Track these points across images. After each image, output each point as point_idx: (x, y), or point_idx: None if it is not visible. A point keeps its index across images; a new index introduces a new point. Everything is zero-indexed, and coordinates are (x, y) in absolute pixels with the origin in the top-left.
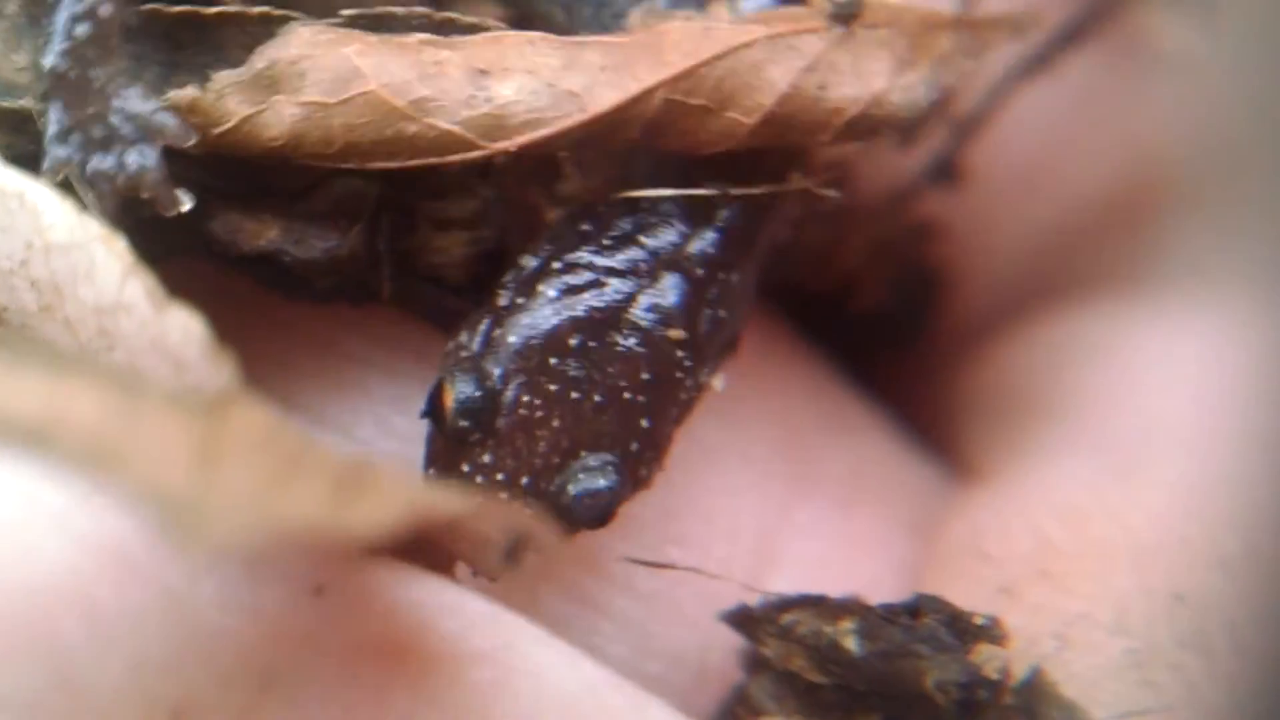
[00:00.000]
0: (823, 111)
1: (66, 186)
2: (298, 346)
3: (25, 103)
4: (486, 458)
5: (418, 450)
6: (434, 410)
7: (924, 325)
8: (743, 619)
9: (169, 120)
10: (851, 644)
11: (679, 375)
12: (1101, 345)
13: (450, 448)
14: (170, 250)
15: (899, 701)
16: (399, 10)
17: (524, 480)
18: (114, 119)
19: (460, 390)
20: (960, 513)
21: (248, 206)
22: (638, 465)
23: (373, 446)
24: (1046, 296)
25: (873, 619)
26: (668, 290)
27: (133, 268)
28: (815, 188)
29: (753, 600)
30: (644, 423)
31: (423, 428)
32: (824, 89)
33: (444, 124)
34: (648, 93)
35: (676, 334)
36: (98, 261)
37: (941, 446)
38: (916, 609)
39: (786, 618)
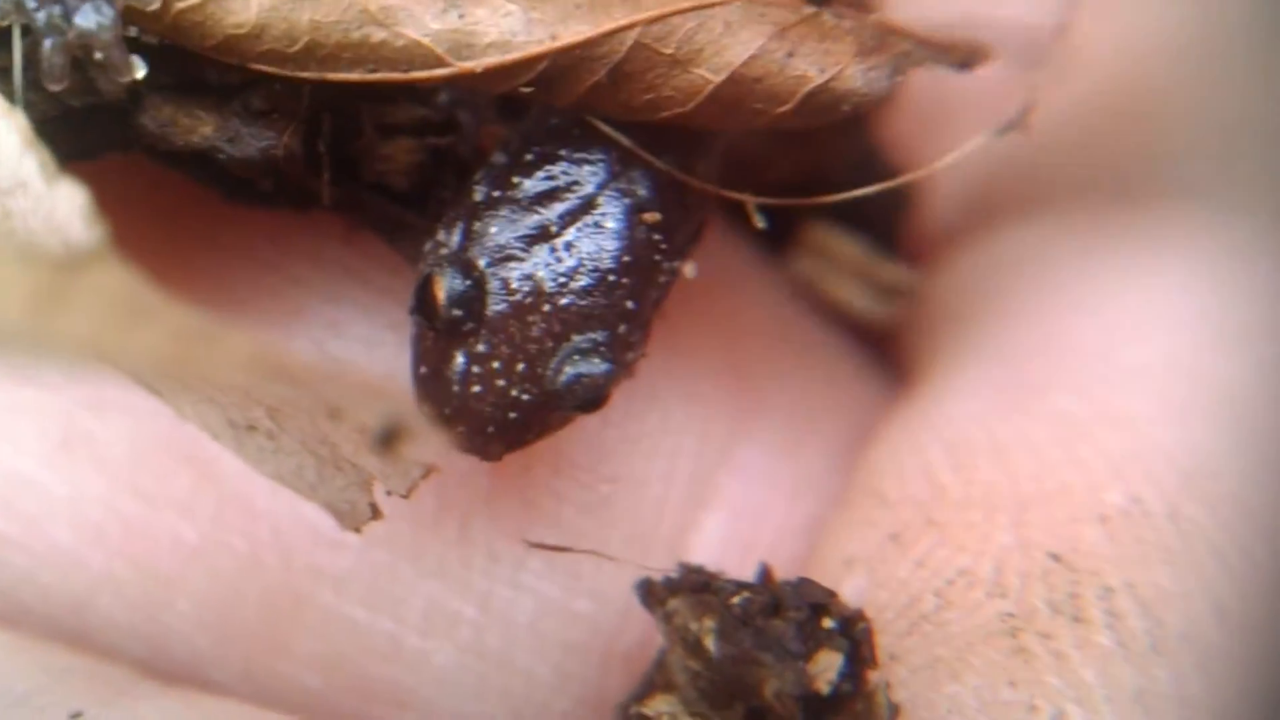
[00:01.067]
0: (787, 79)
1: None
2: (237, 269)
3: None
4: (481, 346)
5: None
6: (423, 305)
7: (892, 243)
8: (647, 592)
9: None
10: (710, 644)
11: (657, 258)
12: (1021, 260)
13: (441, 342)
14: (99, 146)
15: (753, 706)
16: None
17: (520, 366)
18: None
19: (450, 281)
20: (871, 444)
21: (181, 100)
22: (626, 348)
23: None
24: (1000, 213)
25: (729, 620)
26: (639, 177)
27: (30, 142)
28: (753, 204)
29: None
30: (629, 305)
31: (359, 354)
32: (792, 57)
33: (413, 33)
34: (621, 30)
35: (651, 217)
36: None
37: (897, 364)
38: (779, 605)
39: (671, 603)
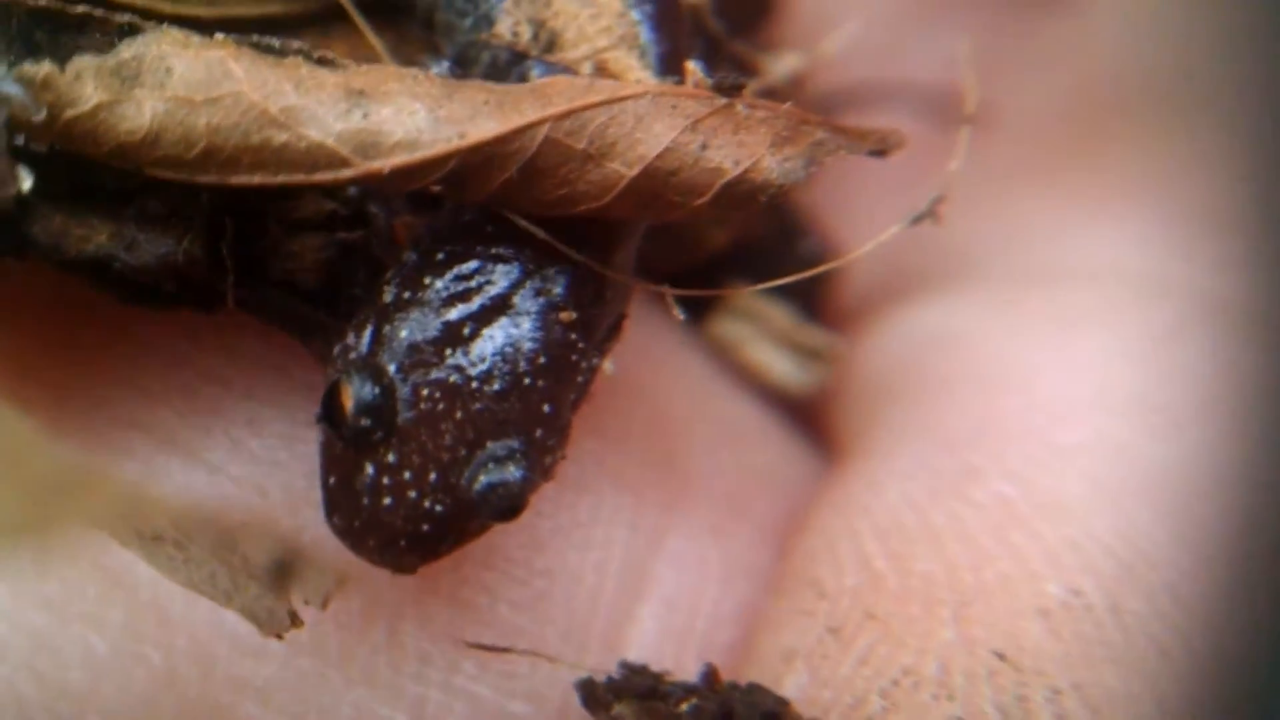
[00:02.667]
0: (703, 171)
1: None
2: (147, 362)
3: None
4: (391, 456)
5: (274, 475)
6: (330, 414)
7: (812, 311)
8: (589, 695)
9: (15, 89)
10: None
11: (574, 358)
12: (953, 336)
13: (349, 451)
14: None
15: None
16: (275, 42)
17: (432, 476)
18: None
19: (358, 389)
20: (803, 528)
21: (73, 208)
22: (543, 453)
23: (226, 471)
24: (917, 285)
25: None
26: (554, 274)
27: None
28: (671, 295)
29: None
30: (546, 408)
31: (279, 452)
32: (706, 149)
33: (316, 135)
34: (530, 126)
35: (568, 315)
36: None
37: (826, 441)
38: (730, 713)
39: (617, 709)
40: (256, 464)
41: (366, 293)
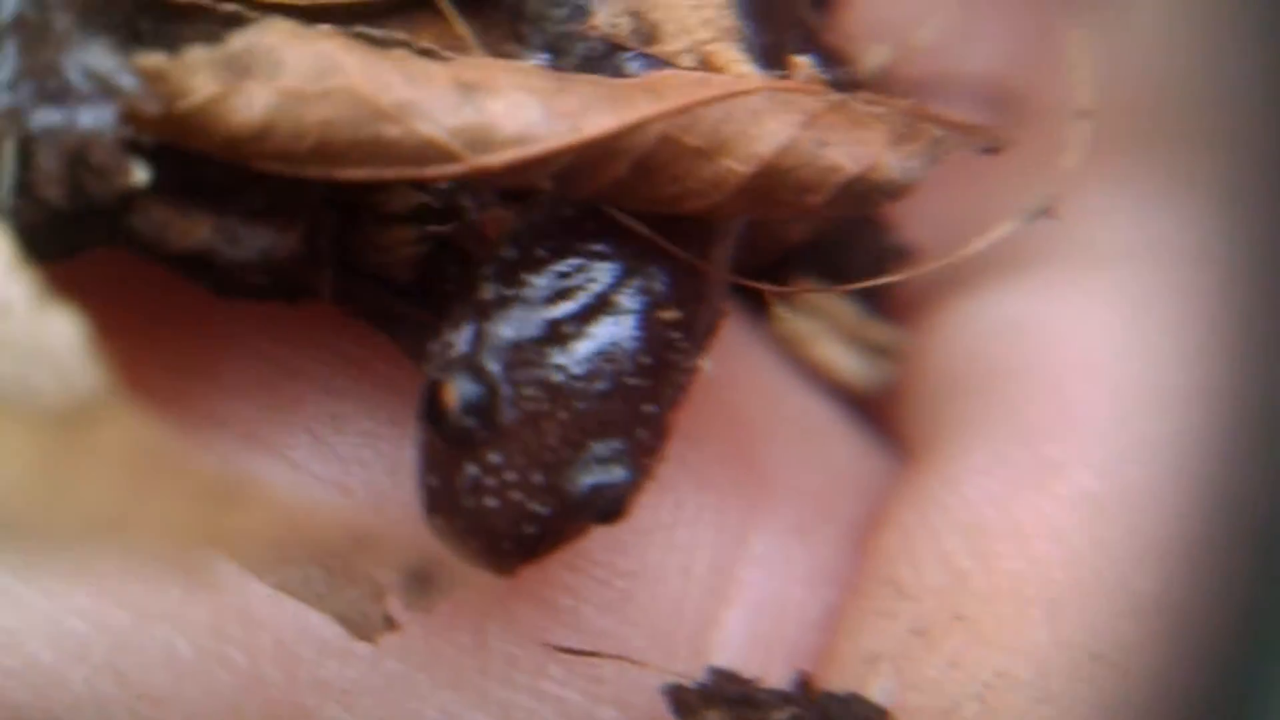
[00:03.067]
0: (820, 169)
1: None
2: (228, 358)
3: None
4: (494, 457)
5: (357, 473)
6: (432, 413)
7: (877, 307)
8: (678, 701)
9: (133, 81)
10: None
11: (676, 357)
12: (1022, 324)
13: (451, 452)
14: (84, 245)
15: None
16: (376, 33)
17: (536, 477)
18: (71, 71)
19: (462, 388)
20: (882, 527)
21: (177, 201)
22: (646, 454)
23: (309, 469)
24: (980, 272)
25: None
26: (656, 271)
27: (13, 262)
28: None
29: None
30: (649, 409)
31: (362, 450)
32: (823, 146)
33: (428, 129)
34: (644, 122)
35: (671, 315)
36: None
37: (896, 438)
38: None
39: (708, 716)
40: (339, 461)
41: (459, 289)
